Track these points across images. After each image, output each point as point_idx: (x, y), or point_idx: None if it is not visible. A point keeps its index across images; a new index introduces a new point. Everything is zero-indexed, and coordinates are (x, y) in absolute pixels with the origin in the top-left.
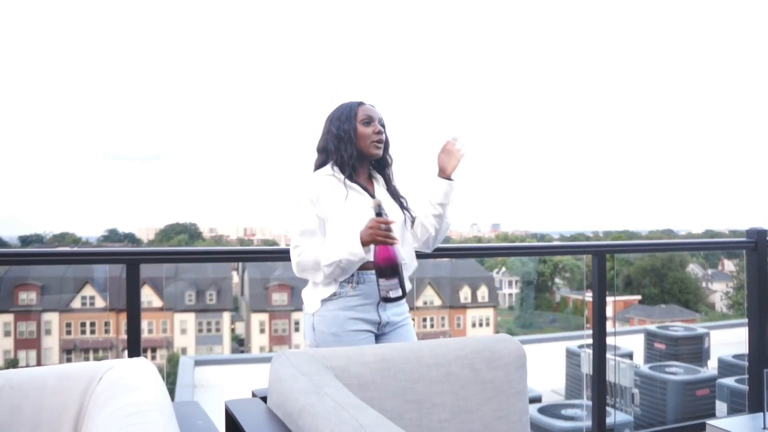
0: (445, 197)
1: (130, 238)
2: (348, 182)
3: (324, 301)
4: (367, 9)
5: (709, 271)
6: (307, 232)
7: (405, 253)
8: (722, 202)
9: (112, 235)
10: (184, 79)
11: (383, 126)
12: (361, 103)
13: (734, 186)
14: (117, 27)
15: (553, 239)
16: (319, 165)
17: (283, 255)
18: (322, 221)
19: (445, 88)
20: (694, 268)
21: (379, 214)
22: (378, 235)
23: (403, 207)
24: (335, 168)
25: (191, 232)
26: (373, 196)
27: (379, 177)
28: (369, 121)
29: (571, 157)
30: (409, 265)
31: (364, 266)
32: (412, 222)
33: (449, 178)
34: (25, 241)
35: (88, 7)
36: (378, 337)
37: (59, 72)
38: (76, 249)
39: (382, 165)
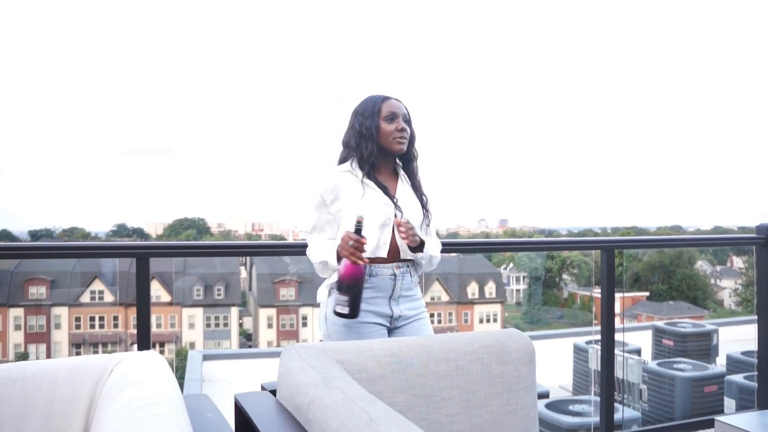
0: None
1: (139, 233)
2: (365, 180)
3: (332, 288)
4: (367, 9)
5: (718, 268)
6: (316, 228)
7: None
8: (731, 199)
9: (121, 230)
10: (192, 74)
11: (407, 121)
12: (386, 99)
13: (743, 182)
14: (125, 22)
15: (561, 235)
16: (343, 159)
17: (291, 250)
18: (334, 217)
19: (451, 85)
20: (702, 265)
21: (358, 230)
22: (345, 250)
23: (423, 205)
24: (354, 164)
25: (199, 227)
26: (390, 195)
27: (403, 173)
28: (392, 117)
29: (579, 154)
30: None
31: (378, 260)
32: (429, 220)
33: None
34: (34, 235)
35: (97, 3)
36: (391, 331)
37: (68, 68)
38: (86, 243)
39: (407, 160)
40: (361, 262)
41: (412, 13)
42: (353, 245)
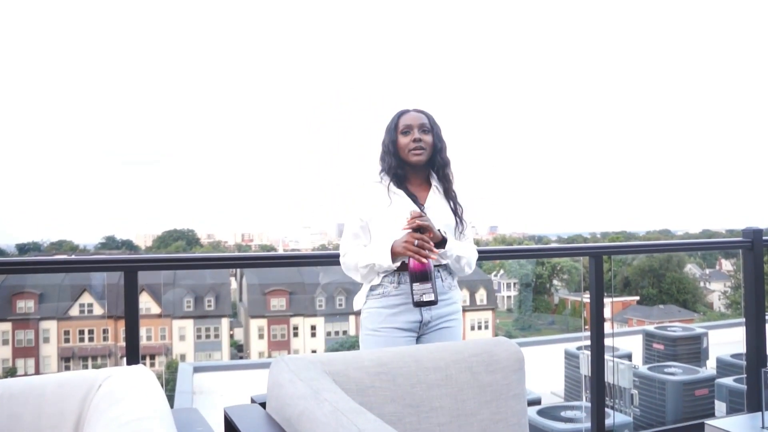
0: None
1: (128, 245)
2: (393, 189)
3: (369, 294)
4: (367, 9)
5: (707, 271)
6: (351, 235)
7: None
8: (719, 202)
9: (110, 242)
10: (180, 84)
11: (426, 131)
12: (403, 113)
13: (731, 186)
14: (114, 33)
15: (550, 241)
16: (379, 172)
17: (281, 261)
18: (366, 225)
19: (442, 90)
20: (691, 268)
21: (416, 229)
22: (409, 250)
23: (456, 212)
24: (384, 176)
25: (189, 239)
26: (419, 204)
27: (436, 181)
28: (408, 130)
29: (568, 159)
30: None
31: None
32: (462, 228)
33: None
34: (22, 249)
35: (83, 12)
36: (419, 337)
37: (55, 78)
38: (73, 257)
39: (437, 167)
40: (425, 261)
41: (411, 16)
42: (419, 244)
